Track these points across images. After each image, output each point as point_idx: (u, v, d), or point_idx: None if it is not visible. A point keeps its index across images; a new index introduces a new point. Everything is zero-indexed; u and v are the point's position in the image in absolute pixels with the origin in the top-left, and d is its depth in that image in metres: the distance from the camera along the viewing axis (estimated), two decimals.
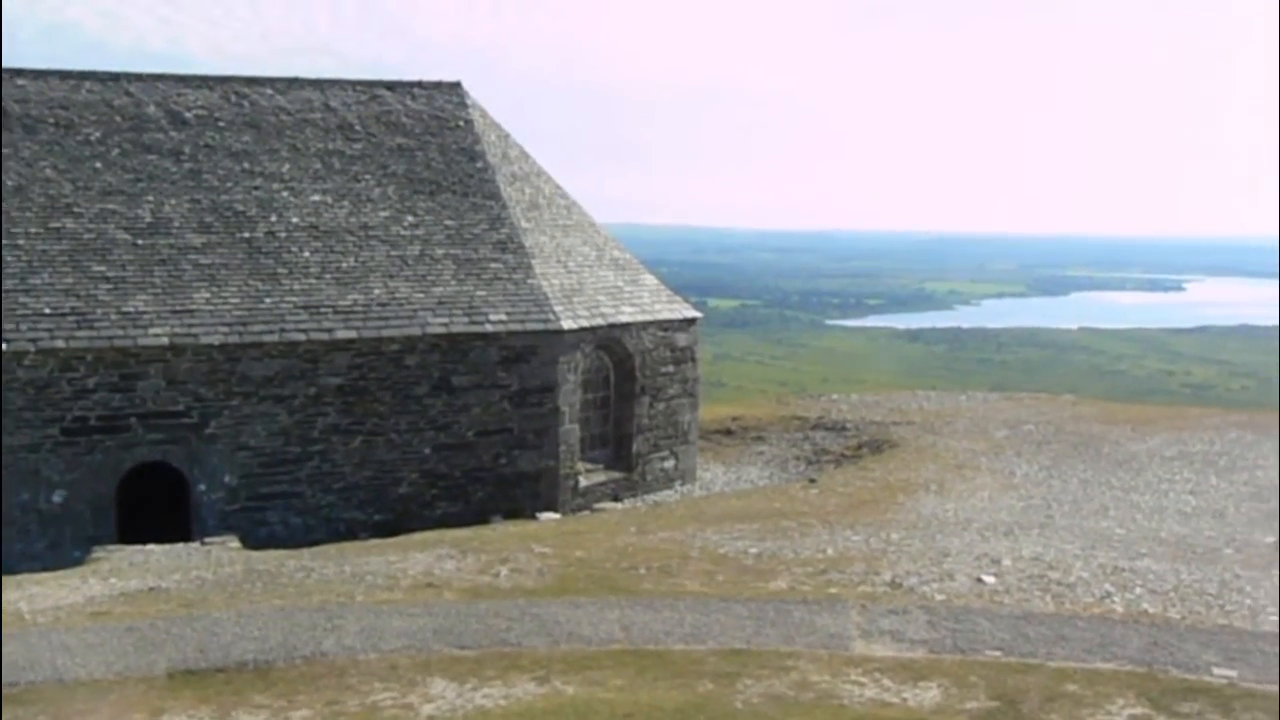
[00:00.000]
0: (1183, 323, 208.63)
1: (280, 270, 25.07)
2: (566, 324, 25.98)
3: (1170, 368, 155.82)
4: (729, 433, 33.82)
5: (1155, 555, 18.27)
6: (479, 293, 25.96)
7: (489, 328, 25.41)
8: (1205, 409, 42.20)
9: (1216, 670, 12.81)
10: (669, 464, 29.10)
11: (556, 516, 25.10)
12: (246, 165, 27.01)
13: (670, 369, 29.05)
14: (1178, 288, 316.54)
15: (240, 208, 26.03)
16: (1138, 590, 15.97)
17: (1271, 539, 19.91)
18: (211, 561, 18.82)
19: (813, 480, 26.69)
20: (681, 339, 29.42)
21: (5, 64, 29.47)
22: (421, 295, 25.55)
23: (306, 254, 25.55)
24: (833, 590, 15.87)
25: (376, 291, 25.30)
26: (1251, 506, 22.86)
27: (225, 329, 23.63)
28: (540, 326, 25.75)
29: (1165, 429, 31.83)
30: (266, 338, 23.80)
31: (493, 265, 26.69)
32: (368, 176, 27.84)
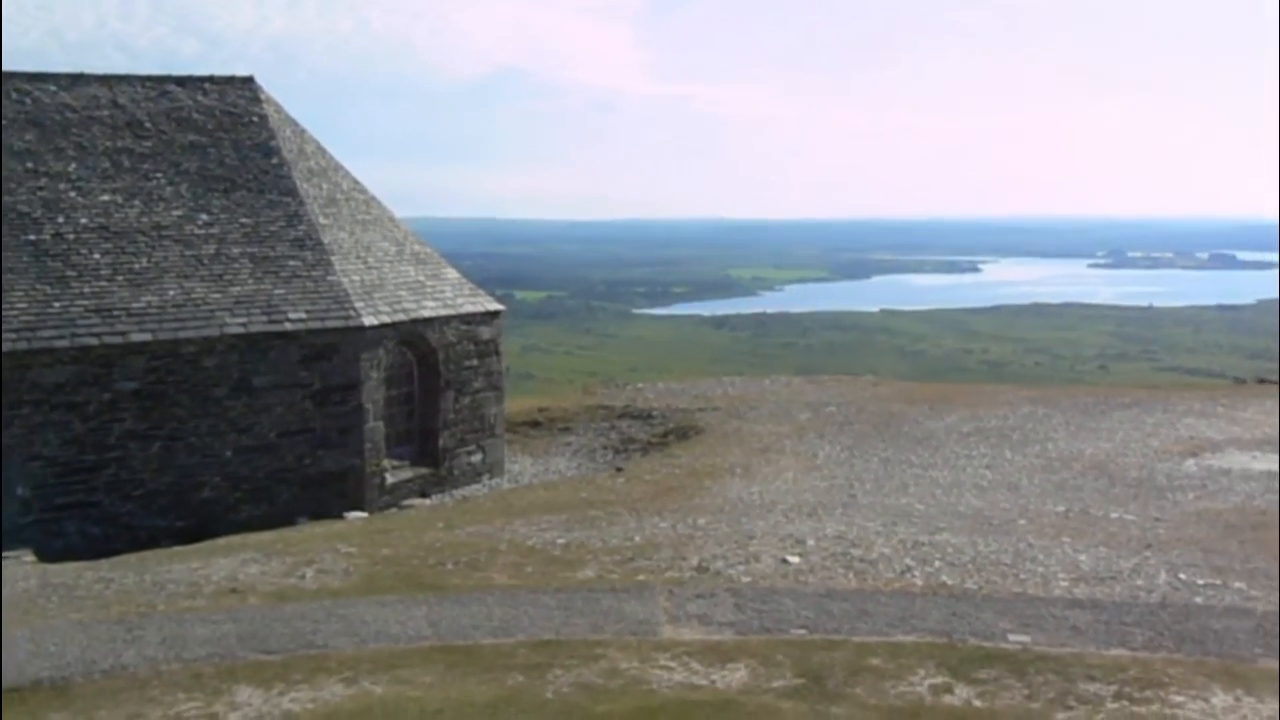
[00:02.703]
0: (979, 302, 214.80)
1: (69, 273, 24.30)
2: (368, 320, 25.69)
3: (968, 346, 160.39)
4: (536, 424, 33.82)
5: (953, 529, 18.78)
6: (277, 291, 25.53)
7: (289, 326, 24.99)
8: (1000, 385, 43.46)
9: (1012, 637, 13.25)
10: (476, 458, 28.98)
11: (364, 515, 24.82)
12: (30, 165, 26.08)
13: (475, 362, 28.93)
14: (974, 269, 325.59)
15: (25, 209, 25.13)
16: (937, 563, 16.40)
17: (1061, 508, 20.62)
18: (4, 577, 18.21)
19: (620, 469, 26.85)
20: (485, 332, 29.31)
21: None
22: (218, 295, 25.01)
23: (96, 256, 24.81)
24: (641, 577, 15.98)
25: (171, 293, 24.70)
26: (1043, 478, 23.63)
27: (12, 335, 22.82)
28: (341, 324, 25.41)
29: (962, 406, 32.71)
30: (57, 343, 23.05)
31: (291, 263, 26.26)
32: (159, 175, 27.12)
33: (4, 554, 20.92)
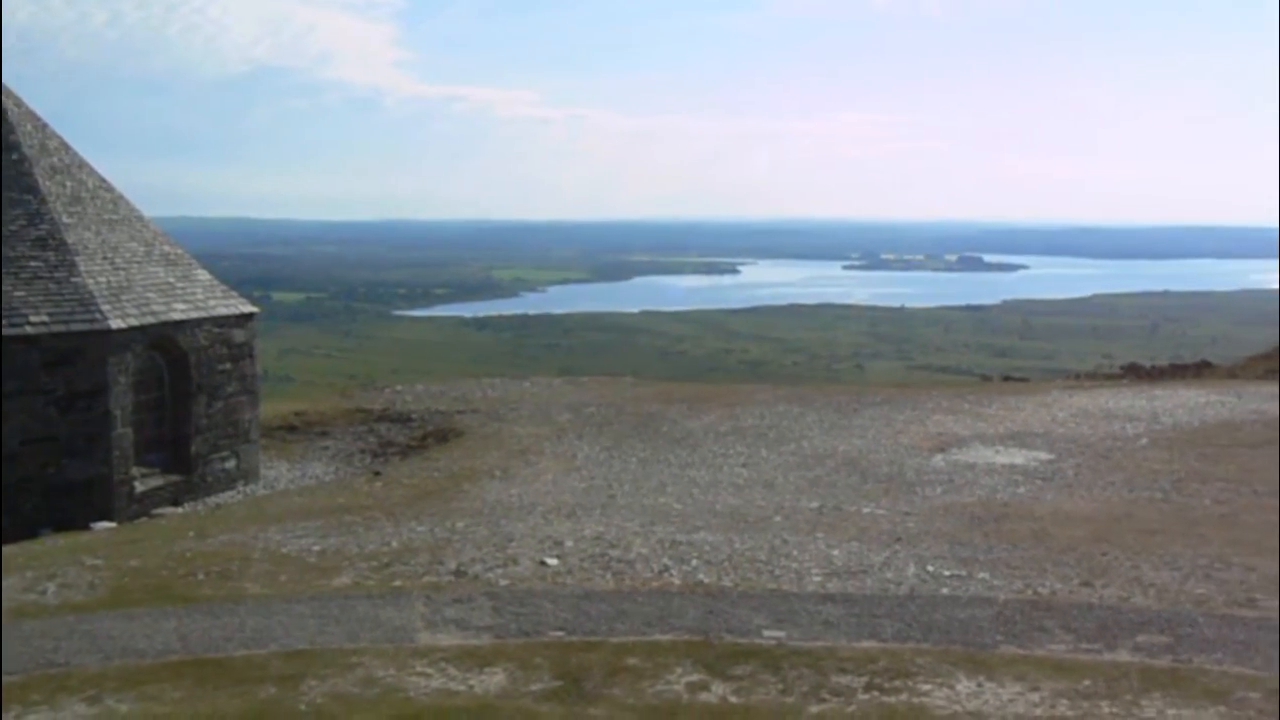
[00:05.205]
0: (738, 303, 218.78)
1: None
2: (115, 324, 24.83)
3: (728, 346, 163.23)
4: (293, 429, 33.15)
5: (710, 527, 19.02)
6: (17, 293, 24.46)
7: (29, 330, 23.97)
8: (757, 385, 44.21)
9: (767, 632, 13.49)
10: (230, 464, 28.28)
11: (112, 525, 23.98)
12: None
13: (228, 366, 28.23)
14: (733, 270, 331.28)
15: None
16: (694, 562, 16.58)
17: (815, 505, 21.06)
18: None
19: (378, 473, 26.52)
20: (239, 335, 28.63)
21: None
22: None
23: None
24: (397, 583, 15.82)
25: None
26: (798, 475, 24.11)
27: None
28: (86, 327, 24.51)
29: (719, 406, 33.17)
30: None
31: (32, 264, 25.18)
32: None
33: None
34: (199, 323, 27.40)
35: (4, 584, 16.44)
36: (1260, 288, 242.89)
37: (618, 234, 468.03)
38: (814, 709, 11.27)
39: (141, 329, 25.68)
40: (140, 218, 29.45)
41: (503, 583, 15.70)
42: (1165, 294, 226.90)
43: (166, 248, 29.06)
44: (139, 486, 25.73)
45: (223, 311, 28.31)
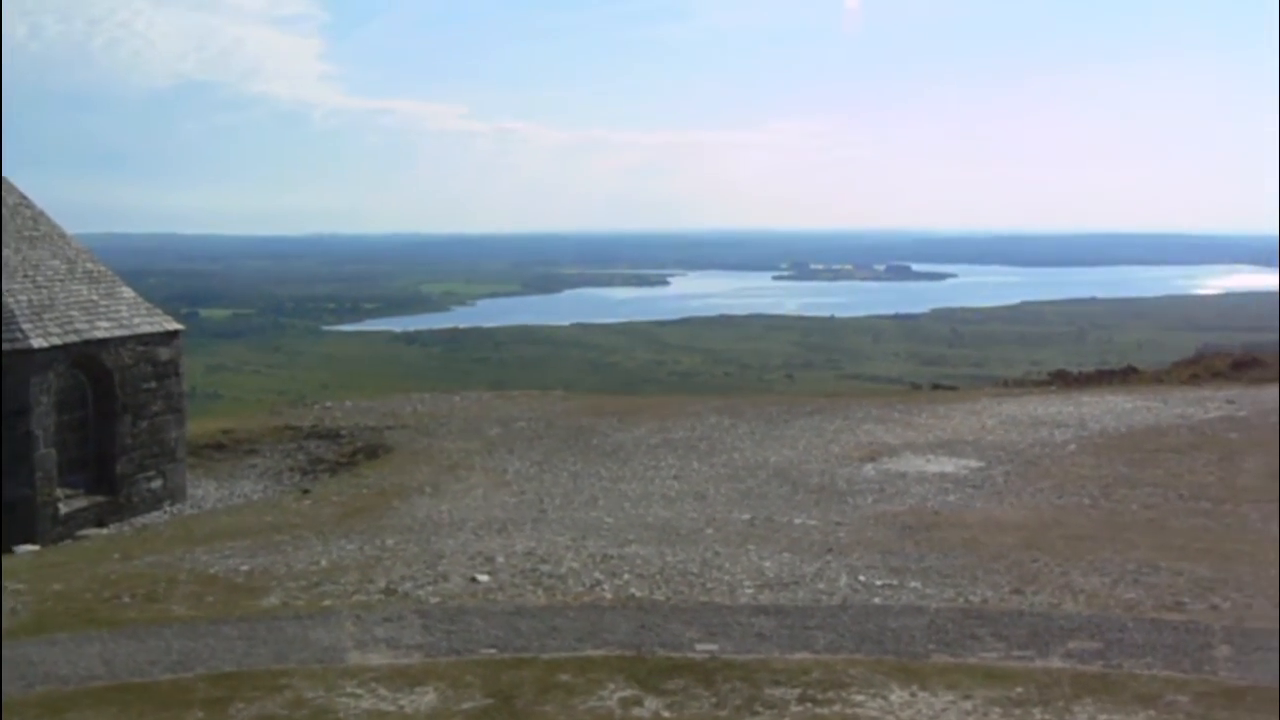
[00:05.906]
0: (668, 315, 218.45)
1: None
2: (37, 343, 24.47)
3: (659, 358, 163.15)
4: (221, 447, 32.83)
5: (642, 540, 18.97)
6: None
7: None
8: (689, 397, 44.26)
9: (699, 646, 13.42)
10: (156, 484, 27.92)
11: (35, 548, 23.56)
12: None
13: (153, 385, 27.88)
14: (663, 282, 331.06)
15: None
16: (626, 576, 16.52)
17: (747, 516, 21.06)
18: None
19: (306, 491, 26.33)
20: (164, 353, 28.29)
21: None
22: None
23: None
24: (327, 602, 15.64)
25: None
26: (730, 487, 24.13)
27: None
28: (7, 346, 24.13)
29: (651, 418, 33.16)
30: None
31: None
32: None
33: None
34: (123, 341, 27.06)
35: None
36: (1184, 293, 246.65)
37: (548, 247, 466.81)
38: None
39: (64, 348, 25.34)
40: (62, 234, 29.06)
41: (433, 600, 15.57)
42: (1092, 300, 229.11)
43: (90, 265, 28.70)
44: (63, 508, 25.37)
45: (148, 329, 27.98)
